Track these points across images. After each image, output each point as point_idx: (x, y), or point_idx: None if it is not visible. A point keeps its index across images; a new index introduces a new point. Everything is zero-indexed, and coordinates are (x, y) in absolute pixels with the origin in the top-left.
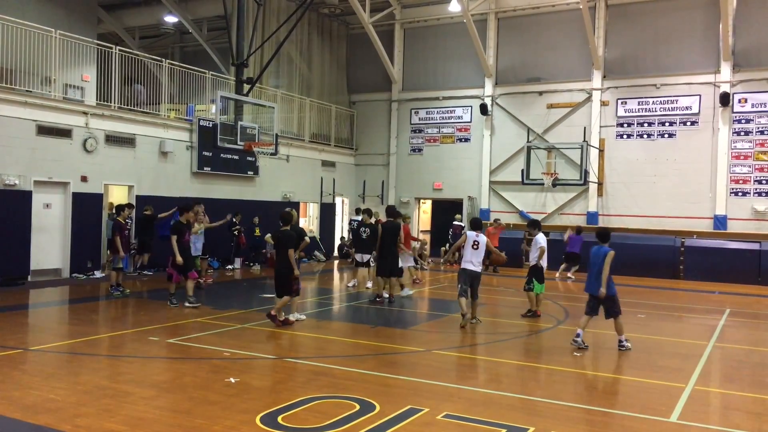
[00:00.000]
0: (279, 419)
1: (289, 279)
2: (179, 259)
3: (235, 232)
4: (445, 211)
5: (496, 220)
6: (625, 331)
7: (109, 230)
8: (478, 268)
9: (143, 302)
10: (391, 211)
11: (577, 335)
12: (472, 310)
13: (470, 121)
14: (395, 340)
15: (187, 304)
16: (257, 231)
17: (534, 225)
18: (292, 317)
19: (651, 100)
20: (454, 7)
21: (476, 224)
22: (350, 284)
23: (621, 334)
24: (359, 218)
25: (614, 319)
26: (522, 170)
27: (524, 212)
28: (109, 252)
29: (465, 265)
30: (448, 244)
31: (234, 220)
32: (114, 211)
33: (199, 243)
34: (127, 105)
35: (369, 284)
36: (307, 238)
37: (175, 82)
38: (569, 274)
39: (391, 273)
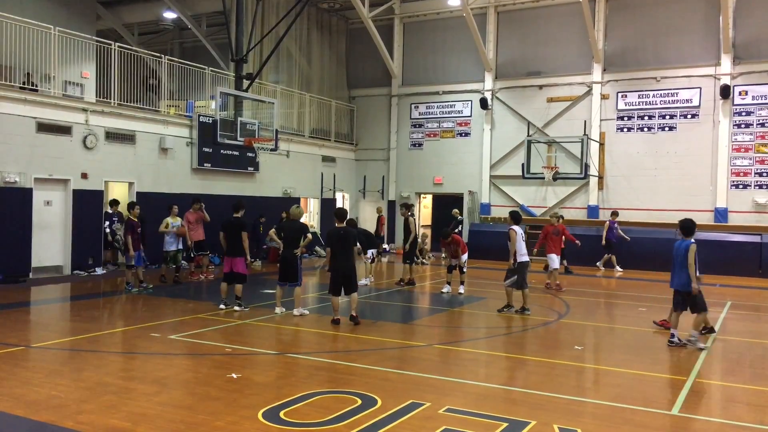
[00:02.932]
0: (281, 414)
1: (354, 277)
2: (249, 258)
3: None
4: (446, 205)
5: (557, 215)
6: (633, 324)
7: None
8: None
9: (143, 299)
10: (403, 206)
11: (672, 335)
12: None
13: (470, 116)
14: (397, 335)
15: (236, 308)
16: (260, 228)
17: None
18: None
19: (651, 93)
20: (454, 1)
21: (520, 218)
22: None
23: (696, 329)
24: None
25: (698, 314)
26: (522, 164)
27: (525, 206)
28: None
29: (525, 258)
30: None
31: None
32: (109, 208)
33: (176, 236)
34: (127, 101)
35: (364, 281)
36: (309, 235)
37: (175, 79)
38: (601, 265)
39: (407, 261)
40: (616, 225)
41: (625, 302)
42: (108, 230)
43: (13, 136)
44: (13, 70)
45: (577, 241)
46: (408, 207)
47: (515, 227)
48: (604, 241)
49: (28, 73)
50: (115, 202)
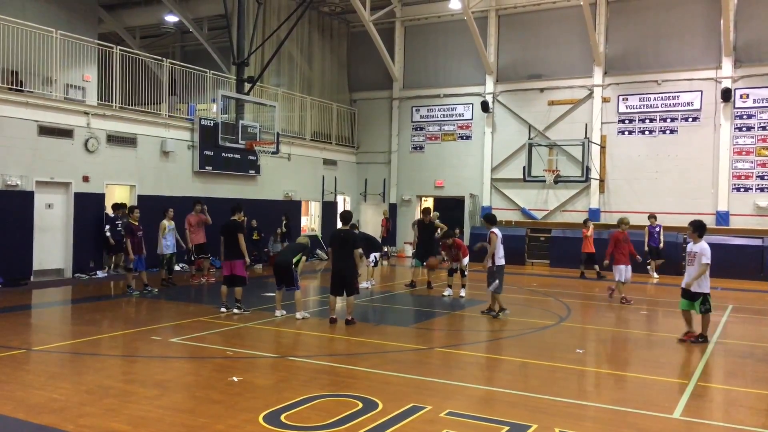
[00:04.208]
0: (282, 418)
1: (355, 279)
2: (248, 260)
3: None
4: (447, 208)
5: (626, 221)
6: (635, 328)
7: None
8: None
9: (144, 302)
10: (426, 210)
11: None
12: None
13: (471, 119)
14: (397, 338)
15: (236, 311)
16: (255, 234)
17: (698, 228)
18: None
19: (652, 96)
20: (455, 5)
21: (496, 220)
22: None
23: None
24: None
25: None
26: (523, 167)
27: (526, 209)
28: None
29: (502, 261)
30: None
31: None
32: (111, 211)
33: (172, 239)
34: (129, 104)
35: (366, 284)
36: (303, 257)
37: (176, 82)
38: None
39: (424, 262)
40: (657, 229)
41: (627, 305)
42: (109, 233)
43: (15, 139)
44: (15, 74)
45: (638, 256)
46: (430, 212)
47: (496, 230)
48: (646, 248)
49: (14, 72)
50: (121, 206)
